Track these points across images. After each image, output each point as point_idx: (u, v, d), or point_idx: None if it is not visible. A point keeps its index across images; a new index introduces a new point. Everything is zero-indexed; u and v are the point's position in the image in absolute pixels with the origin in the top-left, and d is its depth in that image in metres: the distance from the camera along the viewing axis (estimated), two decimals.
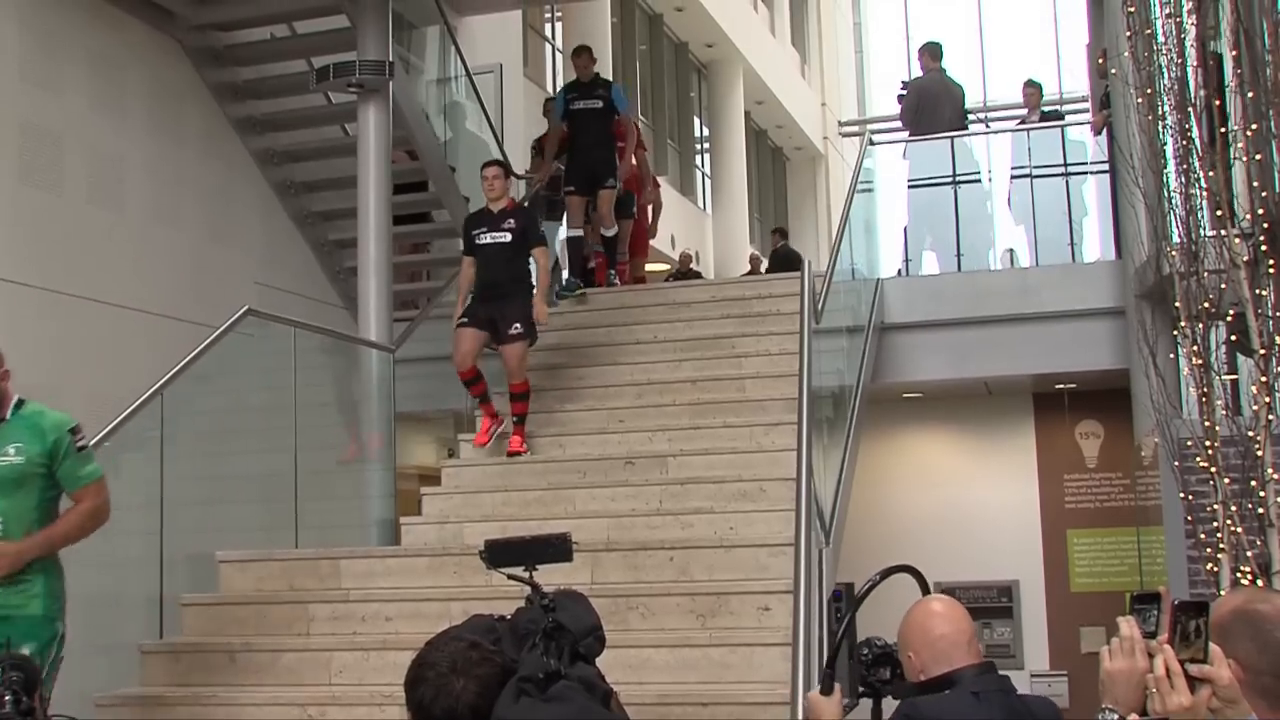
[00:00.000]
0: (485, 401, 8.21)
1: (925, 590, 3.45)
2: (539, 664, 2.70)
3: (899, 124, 11.56)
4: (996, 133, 11.68)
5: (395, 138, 9.25)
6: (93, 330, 8.25)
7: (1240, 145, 7.28)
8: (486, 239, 8.07)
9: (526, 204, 9.36)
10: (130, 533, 6.69)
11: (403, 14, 10.32)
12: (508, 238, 8.03)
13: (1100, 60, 10.43)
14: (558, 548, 3.29)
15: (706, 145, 24.65)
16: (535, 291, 8.09)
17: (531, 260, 8.20)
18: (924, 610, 3.11)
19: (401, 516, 7.79)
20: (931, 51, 11.19)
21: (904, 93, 11.21)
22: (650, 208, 11.93)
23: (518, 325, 7.91)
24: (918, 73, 11.51)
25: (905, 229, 10.62)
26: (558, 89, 17.07)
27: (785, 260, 16.48)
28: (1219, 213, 7.25)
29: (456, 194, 10.30)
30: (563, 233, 10.80)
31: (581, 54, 10.39)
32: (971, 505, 11.31)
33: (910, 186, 10.64)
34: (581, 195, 10.02)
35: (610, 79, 11.25)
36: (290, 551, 6.96)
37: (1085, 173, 10.39)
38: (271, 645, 6.08)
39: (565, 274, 10.35)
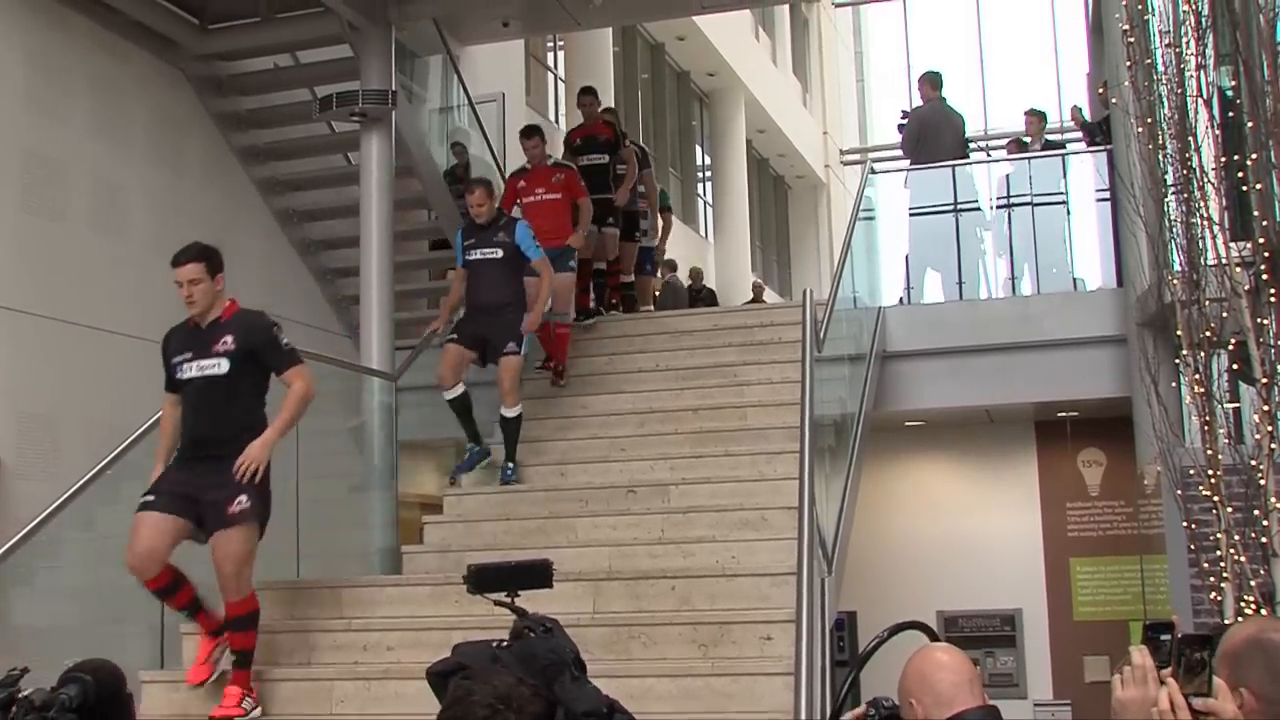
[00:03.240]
0: (198, 611, 5.83)
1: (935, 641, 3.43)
2: (598, 698, 2.67)
3: (900, 152, 11.59)
4: (996, 160, 11.67)
5: (399, 166, 9.28)
6: (94, 358, 8.25)
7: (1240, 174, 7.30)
8: (192, 372, 5.80)
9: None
10: None
11: (405, 43, 10.35)
12: (223, 367, 5.76)
13: (1101, 91, 10.47)
14: (539, 574, 3.41)
15: (708, 173, 24.73)
16: (264, 435, 5.71)
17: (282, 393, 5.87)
18: (924, 657, 3.11)
19: (403, 545, 7.76)
20: (932, 81, 11.24)
21: (905, 121, 11.26)
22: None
23: (242, 499, 5.56)
24: (918, 102, 11.55)
25: (907, 257, 10.63)
26: (560, 121, 17.22)
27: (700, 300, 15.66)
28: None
29: (458, 221, 10.30)
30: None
31: (475, 189, 8.00)
32: (974, 533, 11.28)
33: (911, 214, 10.65)
34: (467, 348, 7.92)
35: (517, 215, 8.57)
36: (291, 580, 6.94)
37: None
38: (272, 675, 6.05)
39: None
